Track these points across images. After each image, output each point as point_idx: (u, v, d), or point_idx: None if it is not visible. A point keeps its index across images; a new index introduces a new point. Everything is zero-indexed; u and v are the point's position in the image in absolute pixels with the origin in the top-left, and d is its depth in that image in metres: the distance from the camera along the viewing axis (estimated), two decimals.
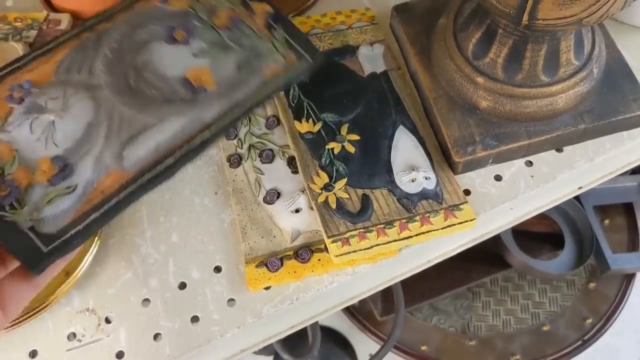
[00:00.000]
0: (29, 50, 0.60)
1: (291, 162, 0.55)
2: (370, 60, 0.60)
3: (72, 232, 0.41)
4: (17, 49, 0.61)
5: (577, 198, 1.03)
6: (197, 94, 0.46)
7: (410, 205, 0.52)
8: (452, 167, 0.54)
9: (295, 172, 0.55)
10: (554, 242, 1.06)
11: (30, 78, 0.47)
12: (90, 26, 0.50)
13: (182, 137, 0.45)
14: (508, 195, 0.54)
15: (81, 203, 0.42)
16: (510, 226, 0.57)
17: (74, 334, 0.50)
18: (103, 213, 0.42)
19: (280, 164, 0.55)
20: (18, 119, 0.45)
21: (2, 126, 0.44)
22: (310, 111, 0.56)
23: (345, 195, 0.52)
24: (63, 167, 0.43)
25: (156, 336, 0.50)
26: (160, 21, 0.50)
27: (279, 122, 0.57)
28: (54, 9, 0.66)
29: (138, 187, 0.43)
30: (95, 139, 0.44)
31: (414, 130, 0.56)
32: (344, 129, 0.55)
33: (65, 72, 0.47)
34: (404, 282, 0.61)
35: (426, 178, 0.53)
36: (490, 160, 0.54)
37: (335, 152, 0.54)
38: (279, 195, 0.54)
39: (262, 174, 0.55)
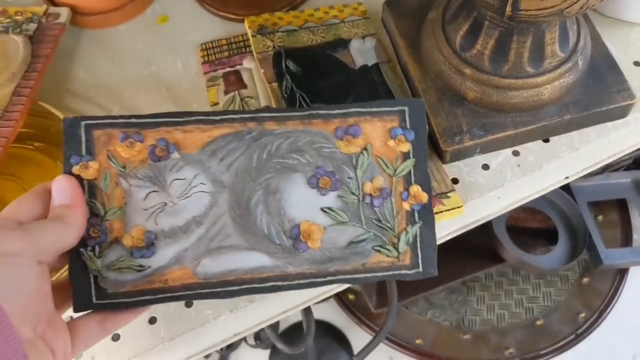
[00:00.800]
0: (30, 42, 0.62)
1: None
2: (362, 53, 0.62)
3: (122, 300, 0.44)
4: (17, 41, 0.62)
5: (571, 194, 1.04)
6: (297, 246, 0.46)
7: None
8: (441, 156, 0.56)
9: None
10: (548, 237, 1.07)
11: (178, 141, 0.46)
12: (259, 118, 0.47)
13: (257, 275, 0.45)
14: (495, 184, 0.55)
15: (142, 281, 0.44)
16: (498, 215, 0.58)
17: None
18: (155, 299, 0.44)
19: None
20: (142, 179, 0.45)
21: (134, 172, 0.45)
22: (302, 102, 0.57)
23: None
24: (149, 245, 0.45)
25: (152, 320, 0.51)
26: (320, 156, 0.47)
27: None
28: (53, 2, 0.68)
29: (195, 293, 0.45)
30: (189, 236, 0.45)
31: None
32: None
33: (209, 154, 0.46)
34: None
35: None
36: (478, 150, 0.56)
37: None
38: None
39: None
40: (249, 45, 0.63)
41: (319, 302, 0.56)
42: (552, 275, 1.10)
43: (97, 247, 0.44)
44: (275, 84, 0.59)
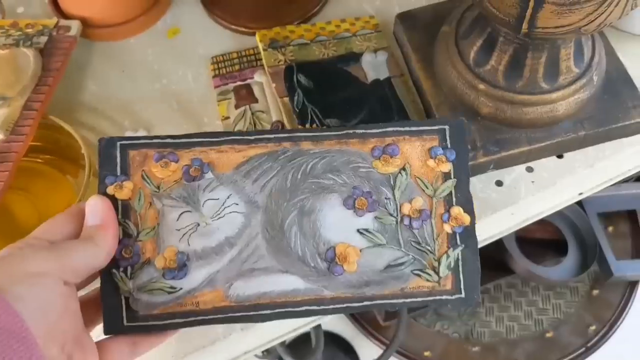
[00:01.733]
0: (41, 56, 0.62)
1: None
2: (374, 67, 0.61)
3: (152, 322, 0.43)
4: (28, 55, 0.62)
5: (580, 205, 1.03)
6: (332, 269, 0.44)
7: None
8: None
9: None
10: (558, 248, 1.06)
11: (213, 161, 0.46)
12: (295, 137, 0.47)
13: (290, 298, 0.44)
14: (509, 200, 0.55)
15: (174, 303, 0.44)
16: (511, 231, 0.58)
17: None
18: (185, 322, 0.44)
19: None
20: (176, 199, 0.45)
21: (168, 192, 0.45)
22: (314, 117, 0.57)
23: None
24: (181, 266, 0.44)
25: None
26: (356, 176, 0.46)
27: (283, 127, 0.58)
28: (64, 15, 0.68)
29: (227, 317, 0.44)
30: (221, 257, 0.44)
31: None
32: None
33: (244, 174, 0.46)
34: None
35: None
36: (492, 166, 0.55)
37: None
38: None
39: None
40: (260, 59, 0.63)
41: None
42: (562, 287, 1.10)
43: (129, 268, 0.43)
44: (286, 99, 0.59)
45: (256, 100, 0.61)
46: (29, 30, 0.65)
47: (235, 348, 0.52)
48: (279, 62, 0.61)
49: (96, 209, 0.42)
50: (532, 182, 0.56)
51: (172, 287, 0.43)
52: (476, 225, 0.52)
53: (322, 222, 0.45)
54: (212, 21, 0.69)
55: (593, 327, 1.05)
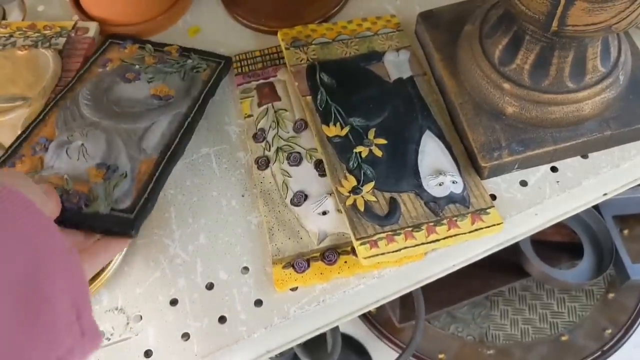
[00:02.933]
0: (60, 57, 0.62)
1: (318, 165, 0.56)
2: (397, 66, 0.61)
3: (143, 199, 0.52)
4: (47, 55, 0.62)
5: (596, 207, 1.03)
6: (167, 100, 0.59)
7: (438, 209, 0.52)
8: (478, 172, 0.55)
9: (322, 174, 0.55)
10: (573, 251, 1.05)
11: (41, 136, 0.56)
12: (61, 97, 0.59)
13: (175, 124, 0.57)
14: (533, 200, 0.54)
15: (135, 182, 0.53)
16: (535, 231, 0.57)
17: (103, 333, 0.51)
18: (154, 182, 0.53)
19: (307, 166, 0.56)
20: (54, 155, 0.54)
21: (43, 169, 0.53)
22: (338, 115, 0.57)
23: (373, 199, 0.52)
24: (108, 167, 0.53)
25: (184, 335, 0.51)
26: (110, 75, 0.61)
27: (306, 125, 0.58)
28: (84, 14, 0.68)
29: (166, 162, 0.54)
30: (117, 146, 0.55)
31: (440, 135, 0.56)
32: (371, 133, 0.56)
33: (64, 125, 0.57)
34: (422, 291, 0.62)
35: (453, 182, 0.53)
36: (516, 166, 0.55)
37: (363, 155, 0.54)
38: (306, 197, 0.54)
39: (290, 176, 0.56)
40: (283, 57, 0.62)
41: None
42: (577, 290, 1.09)
43: (87, 202, 0.52)
44: (309, 97, 0.58)
45: (279, 99, 0.60)
46: (47, 32, 0.65)
47: (258, 347, 0.52)
48: (301, 61, 0.61)
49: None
50: (557, 182, 0.55)
51: (121, 174, 0.53)
52: (503, 225, 0.52)
53: (130, 94, 0.60)
54: (233, 20, 0.69)
55: (609, 331, 1.05)
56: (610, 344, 1.04)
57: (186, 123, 0.57)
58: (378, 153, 0.55)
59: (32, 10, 0.70)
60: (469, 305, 1.07)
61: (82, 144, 0.54)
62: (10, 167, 0.53)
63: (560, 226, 1.03)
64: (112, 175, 0.52)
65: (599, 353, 1.03)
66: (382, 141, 0.55)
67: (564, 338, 1.05)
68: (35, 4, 0.71)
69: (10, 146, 0.55)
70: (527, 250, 0.99)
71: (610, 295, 1.08)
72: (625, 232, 1.10)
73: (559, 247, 1.07)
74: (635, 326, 1.04)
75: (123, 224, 0.50)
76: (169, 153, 0.55)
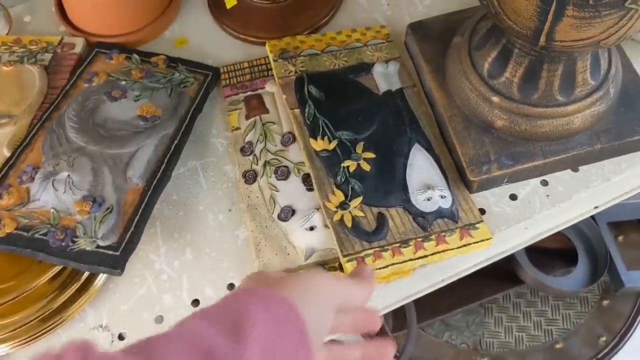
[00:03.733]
0: (46, 73, 0.61)
1: (306, 179, 0.55)
2: (386, 77, 0.60)
3: (129, 234, 0.51)
4: (33, 72, 0.61)
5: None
6: (153, 121, 0.58)
7: (426, 224, 0.51)
8: (467, 185, 0.54)
9: (310, 189, 0.55)
10: (567, 258, 1.04)
11: (28, 164, 0.55)
12: (47, 117, 0.58)
13: (161, 148, 0.56)
14: (523, 214, 0.54)
15: (122, 215, 0.52)
16: (525, 246, 0.57)
17: None
18: (140, 215, 0.52)
19: (295, 181, 0.55)
20: (40, 188, 0.53)
21: (29, 201, 0.53)
22: (325, 129, 0.56)
23: (361, 214, 0.52)
24: (93, 200, 0.52)
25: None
26: (96, 93, 0.60)
27: (294, 138, 0.57)
28: (71, 25, 0.67)
29: (152, 191, 0.54)
30: (103, 175, 0.54)
31: (429, 148, 0.56)
32: (359, 147, 0.55)
33: (50, 150, 0.56)
34: (415, 298, 0.61)
35: (442, 197, 0.52)
36: (506, 180, 0.54)
37: (351, 170, 0.54)
38: (293, 212, 0.54)
39: (277, 190, 0.55)
40: (272, 69, 0.62)
41: None
42: (572, 297, 1.08)
43: (74, 239, 0.51)
44: (297, 110, 0.58)
45: (267, 111, 0.60)
46: (33, 47, 0.64)
47: None
48: (289, 73, 0.60)
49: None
50: (547, 195, 0.55)
51: (106, 209, 0.52)
52: (492, 240, 0.51)
53: (116, 115, 0.59)
54: (221, 30, 0.68)
55: (603, 338, 1.04)
56: (605, 351, 1.03)
57: (173, 146, 0.57)
58: (366, 167, 0.54)
59: (18, 20, 0.69)
60: (463, 312, 1.06)
61: (69, 175, 0.53)
62: None
63: (554, 233, 1.02)
64: (98, 209, 0.52)
65: None
66: (371, 155, 0.55)
67: (558, 346, 1.04)
68: (21, 14, 0.70)
69: None
70: (521, 257, 0.98)
71: (605, 302, 1.07)
72: (620, 238, 1.09)
73: (554, 254, 1.06)
74: (630, 333, 1.03)
75: (109, 262, 0.50)
76: (155, 181, 0.54)
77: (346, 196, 0.53)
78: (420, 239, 0.51)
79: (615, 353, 1.02)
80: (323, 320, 0.36)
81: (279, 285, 0.36)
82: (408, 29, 0.62)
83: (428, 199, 0.52)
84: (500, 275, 1.03)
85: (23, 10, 0.71)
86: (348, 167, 0.54)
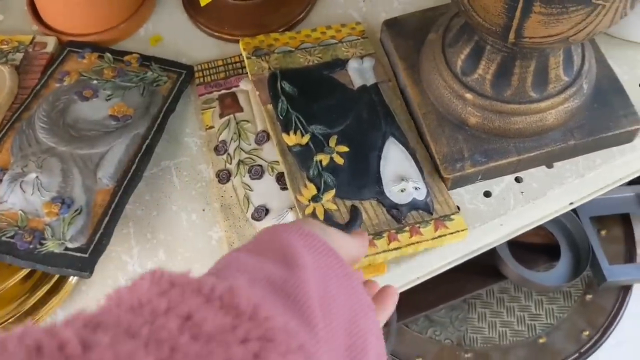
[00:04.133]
0: (17, 73, 0.61)
1: (280, 178, 0.55)
2: (360, 73, 0.60)
3: (98, 235, 0.51)
4: (4, 72, 0.61)
5: (573, 209, 1.02)
6: (125, 120, 0.57)
7: (400, 215, 0.51)
8: (442, 182, 0.54)
9: (284, 188, 0.54)
10: (550, 253, 1.05)
11: None
12: (17, 117, 0.57)
13: (133, 147, 0.56)
14: (497, 211, 0.54)
15: (91, 217, 0.52)
16: (501, 242, 0.57)
17: None
18: (110, 216, 0.52)
19: (269, 180, 0.55)
20: (7, 189, 0.52)
21: None
22: (298, 123, 0.56)
23: (334, 207, 0.51)
24: (62, 201, 0.52)
25: None
26: (67, 93, 0.59)
27: (268, 137, 0.57)
28: (43, 24, 0.66)
29: (122, 192, 0.53)
30: (73, 176, 0.53)
31: (404, 141, 0.55)
32: (332, 141, 0.55)
33: (19, 151, 0.55)
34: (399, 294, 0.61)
35: (416, 188, 0.52)
36: (480, 177, 0.54)
37: (324, 163, 0.53)
38: (267, 211, 0.53)
39: (251, 190, 0.55)
40: (246, 66, 0.61)
41: None
42: (555, 292, 1.08)
43: (42, 241, 0.50)
44: (270, 106, 0.57)
45: (241, 109, 0.59)
46: (4, 47, 0.63)
47: None
48: (262, 70, 0.60)
49: None
50: (522, 192, 0.54)
51: (75, 210, 0.52)
52: (467, 232, 0.51)
53: (87, 114, 0.58)
54: (195, 28, 0.68)
55: (586, 333, 1.04)
56: (588, 345, 1.03)
57: (144, 146, 0.56)
58: (339, 161, 0.54)
59: None
60: (447, 308, 1.07)
61: (37, 177, 0.53)
62: None
63: (537, 228, 1.02)
64: (67, 211, 0.51)
65: (577, 355, 1.02)
66: (344, 149, 0.54)
67: (541, 340, 1.04)
68: None
69: None
70: (503, 253, 0.98)
71: (588, 297, 1.07)
72: (603, 233, 1.09)
73: (536, 249, 1.06)
74: (613, 327, 1.04)
75: (78, 264, 0.49)
76: (125, 182, 0.54)
77: (318, 189, 0.52)
78: (394, 231, 0.50)
79: (598, 347, 1.03)
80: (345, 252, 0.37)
81: (297, 224, 0.36)
82: (383, 25, 0.62)
83: (402, 191, 0.52)
84: (484, 270, 1.03)
85: None
86: (321, 160, 0.54)
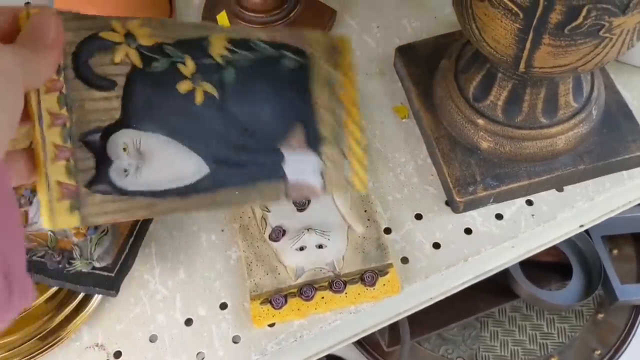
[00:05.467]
0: None
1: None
2: None
3: (124, 255, 0.53)
4: None
5: None
6: None
7: None
8: (454, 206, 0.56)
9: (300, 210, 0.56)
10: (562, 272, 1.05)
11: (26, 188, 0.54)
12: None
13: None
14: (509, 234, 0.55)
15: (117, 237, 0.54)
16: (512, 264, 0.58)
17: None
18: (135, 236, 0.54)
19: (285, 201, 0.57)
20: (38, 211, 0.53)
21: (28, 224, 0.53)
22: None
23: None
24: None
25: None
26: None
27: None
28: None
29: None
30: None
31: None
32: None
33: None
34: (411, 313, 0.62)
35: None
36: (491, 200, 0.56)
37: None
38: (284, 232, 0.55)
39: (268, 211, 0.56)
40: None
41: None
42: (567, 311, 1.09)
43: (71, 261, 0.52)
44: None
45: None
46: None
47: None
48: None
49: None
50: (532, 215, 0.56)
51: (102, 232, 0.53)
52: (476, 258, 0.52)
53: None
54: None
55: (598, 352, 1.05)
56: None
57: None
58: None
59: None
60: (459, 326, 1.07)
61: None
62: None
63: (549, 247, 1.03)
64: (94, 232, 0.53)
65: None
66: None
67: (553, 359, 1.05)
68: None
69: None
70: (515, 272, 0.99)
71: (600, 315, 1.08)
72: (615, 252, 1.10)
73: (548, 268, 1.07)
74: (625, 347, 1.04)
75: (105, 283, 0.51)
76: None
77: None
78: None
79: None
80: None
81: None
82: (396, 51, 0.64)
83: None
84: (496, 289, 1.04)
85: None
86: None
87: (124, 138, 0.35)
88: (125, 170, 0.35)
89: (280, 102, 0.40)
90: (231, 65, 0.38)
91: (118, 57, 0.35)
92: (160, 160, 0.36)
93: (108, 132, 0.35)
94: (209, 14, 0.70)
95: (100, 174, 0.35)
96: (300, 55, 0.40)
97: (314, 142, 0.40)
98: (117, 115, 0.35)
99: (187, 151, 0.37)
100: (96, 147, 0.35)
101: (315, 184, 0.40)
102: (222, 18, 0.66)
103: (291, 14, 0.67)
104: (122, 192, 0.35)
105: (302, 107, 0.40)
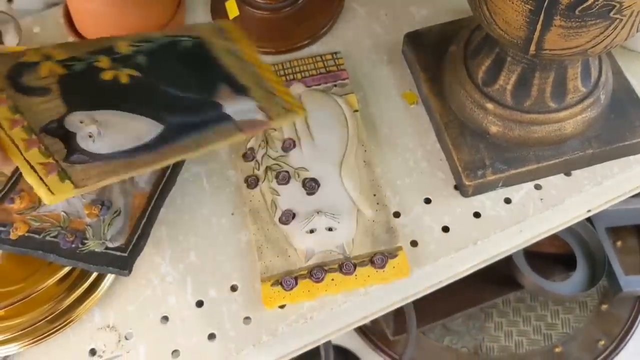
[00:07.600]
0: None
1: (305, 183, 0.57)
2: None
3: (136, 236, 0.53)
4: None
5: (589, 219, 1.04)
6: None
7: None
8: (462, 190, 0.56)
9: (310, 193, 0.56)
10: (566, 263, 1.06)
11: None
12: None
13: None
14: (517, 218, 0.55)
15: (129, 218, 0.54)
16: (520, 248, 0.58)
17: (95, 350, 0.52)
18: (147, 217, 0.54)
19: (295, 185, 0.57)
20: None
21: (41, 205, 0.54)
22: None
23: None
24: (102, 204, 0.54)
25: (174, 352, 0.52)
26: None
27: (294, 144, 0.59)
28: (79, 35, 0.69)
29: (158, 196, 0.56)
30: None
31: None
32: None
33: None
34: (416, 303, 0.62)
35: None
36: (500, 184, 0.56)
37: None
38: (294, 215, 0.55)
39: (278, 195, 0.57)
40: None
41: None
42: (571, 302, 1.09)
43: (84, 240, 0.53)
44: None
45: None
46: None
47: None
48: None
49: None
50: (541, 199, 0.56)
51: (114, 212, 0.54)
52: (485, 242, 0.53)
53: None
54: None
55: (602, 342, 1.05)
56: (604, 355, 1.04)
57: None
58: None
59: (27, 31, 0.71)
60: (463, 317, 1.08)
61: None
62: (9, 203, 0.54)
63: (553, 237, 1.03)
64: (107, 213, 0.54)
65: None
66: None
67: (557, 350, 1.06)
68: (30, 25, 0.72)
69: (9, 180, 0.56)
70: (520, 262, 0.99)
71: (604, 306, 1.08)
72: (619, 243, 1.11)
73: (553, 259, 1.07)
74: (629, 337, 1.05)
75: (118, 263, 0.52)
76: (160, 186, 0.56)
77: None
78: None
79: (614, 357, 1.04)
80: None
81: None
82: (405, 38, 0.64)
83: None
84: (500, 280, 1.05)
85: (32, 22, 0.73)
86: None
87: (77, 117, 0.43)
88: (91, 136, 0.42)
89: (196, 68, 0.48)
90: (140, 53, 0.47)
91: (44, 71, 0.44)
92: (116, 127, 0.43)
93: (62, 119, 0.42)
94: (217, 1, 0.70)
95: (71, 147, 0.41)
96: (191, 38, 0.50)
97: (241, 90, 0.48)
98: (62, 110, 0.43)
99: (132, 116, 0.44)
100: (58, 132, 0.42)
101: (259, 117, 0.47)
102: (231, 5, 0.66)
103: (299, 0, 0.67)
104: (97, 158, 0.41)
105: (217, 70, 0.49)
